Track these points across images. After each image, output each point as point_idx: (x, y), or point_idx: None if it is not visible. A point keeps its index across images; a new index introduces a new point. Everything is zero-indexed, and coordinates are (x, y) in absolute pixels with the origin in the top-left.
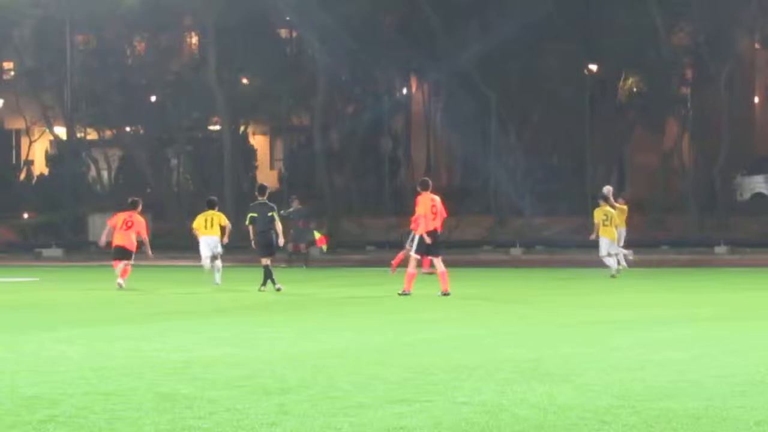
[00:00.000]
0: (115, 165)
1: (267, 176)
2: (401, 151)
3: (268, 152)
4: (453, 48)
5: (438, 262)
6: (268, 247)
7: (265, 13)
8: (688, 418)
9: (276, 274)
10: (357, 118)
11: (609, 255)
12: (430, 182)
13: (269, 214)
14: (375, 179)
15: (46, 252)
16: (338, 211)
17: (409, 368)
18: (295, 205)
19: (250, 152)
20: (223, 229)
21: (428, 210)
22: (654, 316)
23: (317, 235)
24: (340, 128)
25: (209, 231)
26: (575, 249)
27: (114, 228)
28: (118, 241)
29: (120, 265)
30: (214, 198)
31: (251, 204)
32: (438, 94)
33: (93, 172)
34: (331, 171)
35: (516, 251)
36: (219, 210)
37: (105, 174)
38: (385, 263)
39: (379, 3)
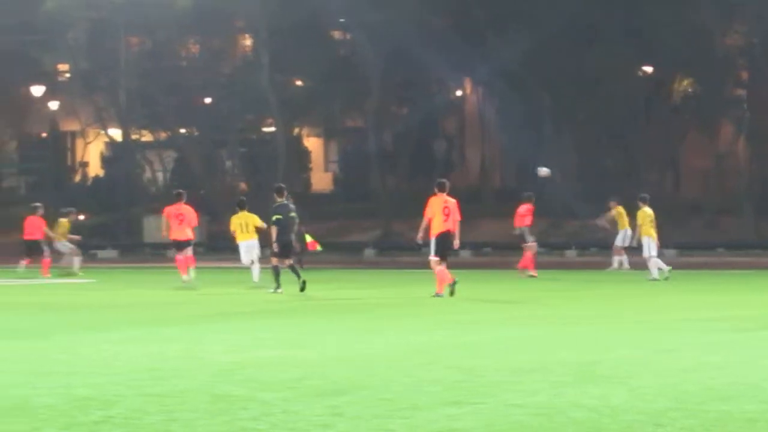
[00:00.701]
0: (169, 166)
1: (321, 178)
2: (455, 153)
3: (322, 154)
4: (506, 49)
5: (442, 263)
6: (288, 248)
7: (317, 14)
8: (745, 422)
9: (306, 275)
10: (410, 120)
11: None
12: (447, 184)
13: (291, 214)
14: (428, 181)
15: (101, 253)
16: (391, 213)
17: (461, 370)
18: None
19: (304, 154)
20: (258, 230)
21: (438, 212)
22: (709, 317)
23: (308, 239)
24: (394, 130)
25: (246, 235)
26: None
27: (171, 223)
28: (174, 235)
29: (181, 259)
30: (244, 198)
31: (274, 206)
32: (491, 96)
33: (147, 174)
34: (384, 172)
35: (571, 253)
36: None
37: (159, 175)
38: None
39: (433, 4)
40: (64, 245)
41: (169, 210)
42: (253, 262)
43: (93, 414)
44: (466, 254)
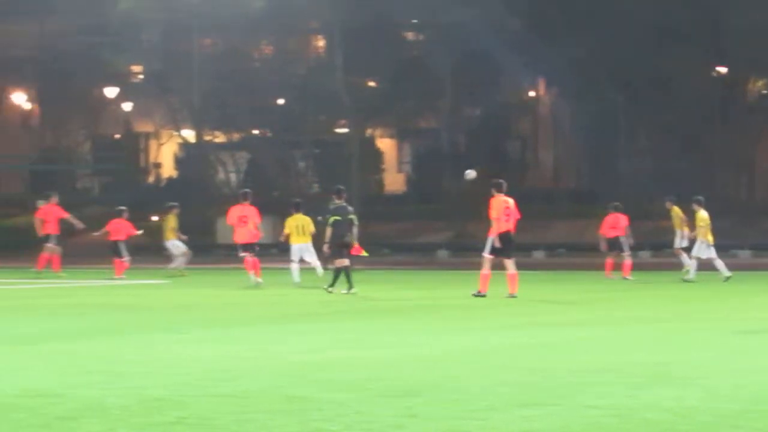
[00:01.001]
0: (242, 168)
1: (394, 179)
2: (528, 153)
3: (395, 155)
4: (581, 49)
5: (510, 264)
6: (346, 249)
7: (390, 15)
8: None
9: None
10: (484, 120)
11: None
12: (504, 184)
13: (349, 216)
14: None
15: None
16: (464, 214)
17: (536, 371)
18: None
19: (377, 155)
20: (312, 235)
21: (501, 212)
22: None
23: (354, 244)
24: (467, 130)
25: (301, 237)
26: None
27: (233, 225)
28: (239, 237)
29: (249, 261)
30: (300, 201)
31: (331, 207)
32: (565, 96)
33: (221, 175)
34: (457, 173)
35: (644, 254)
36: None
37: (232, 177)
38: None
39: (506, 6)
40: (174, 245)
41: (233, 213)
42: (302, 261)
43: (167, 414)
44: (539, 255)
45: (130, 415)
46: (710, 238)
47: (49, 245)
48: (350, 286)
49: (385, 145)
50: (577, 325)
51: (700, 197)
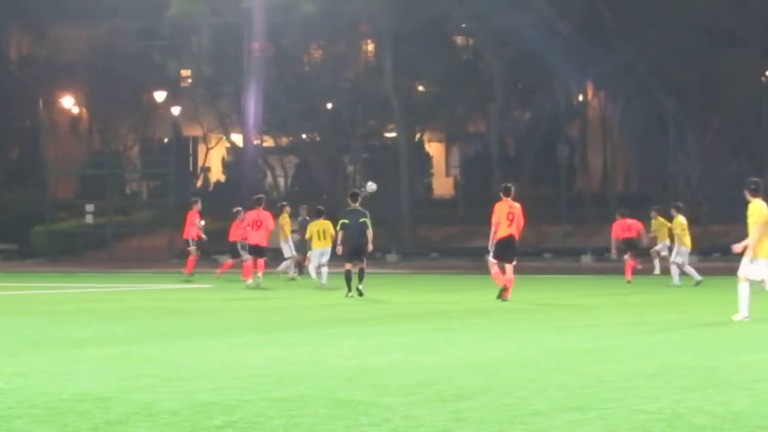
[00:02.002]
0: (291, 172)
1: (443, 183)
2: (577, 157)
3: (443, 159)
4: (630, 53)
5: (509, 269)
6: (356, 254)
7: (441, 20)
8: None
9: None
10: (533, 125)
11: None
12: (512, 188)
13: (361, 220)
14: (551, 186)
15: (222, 259)
16: None
17: (584, 375)
18: (303, 215)
19: (426, 159)
20: (332, 238)
21: (503, 217)
22: None
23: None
24: (516, 134)
25: (322, 242)
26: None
27: (250, 227)
28: (252, 239)
29: (260, 262)
30: (322, 207)
31: (343, 211)
32: (615, 100)
33: (269, 179)
34: (507, 178)
35: (693, 259)
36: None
37: (281, 181)
38: (559, 270)
39: (556, 9)
40: (286, 243)
41: (249, 216)
42: (320, 266)
43: (216, 419)
44: (587, 259)
45: (179, 419)
46: (688, 243)
47: (191, 248)
48: (348, 290)
49: (434, 149)
50: (627, 328)
51: (679, 203)
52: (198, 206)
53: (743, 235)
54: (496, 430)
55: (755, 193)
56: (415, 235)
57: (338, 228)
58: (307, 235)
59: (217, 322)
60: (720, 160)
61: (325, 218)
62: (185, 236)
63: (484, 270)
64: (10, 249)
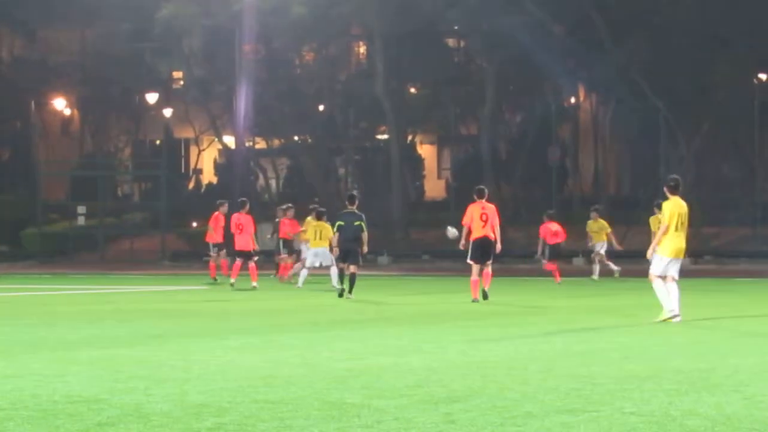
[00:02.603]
0: (283, 174)
1: (434, 185)
2: (569, 160)
3: (435, 161)
4: (621, 57)
5: (476, 269)
6: (348, 256)
7: (432, 22)
8: None
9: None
10: (525, 127)
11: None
12: (486, 191)
13: (356, 223)
14: (542, 188)
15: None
16: (505, 220)
17: (576, 377)
18: (289, 215)
19: (418, 161)
20: (330, 240)
21: (476, 218)
22: None
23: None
24: (508, 137)
25: (319, 242)
26: (745, 259)
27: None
28: (237, 245)
29: (250, 267)
30: (323, 210)
31: (339, 213)
32: (606, 103)
33: (261, 181)
34: (498, 180)
35: (684, 261)
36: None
37: (273, 183)
38: (551, 273)
39: (548, 12)
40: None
41: (232, 218)
42: (321, 265)
43: (207, 421)
44: (579, 262)
45: (170, 421)
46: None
47: (212, 254)
48: (350, 291)
49: (426, 151)
50: (619, 331)
51: (598, 206)
52: (224, 208)
53: (734, 237)
54: None
55: (674, 191)
56: (407, 237)
57: (335, 230)
58: (307, 234)
59: (209, 324)
60: (712, 163)
61: (326, 221)
62: (208, 239)
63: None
64: (2, 251)
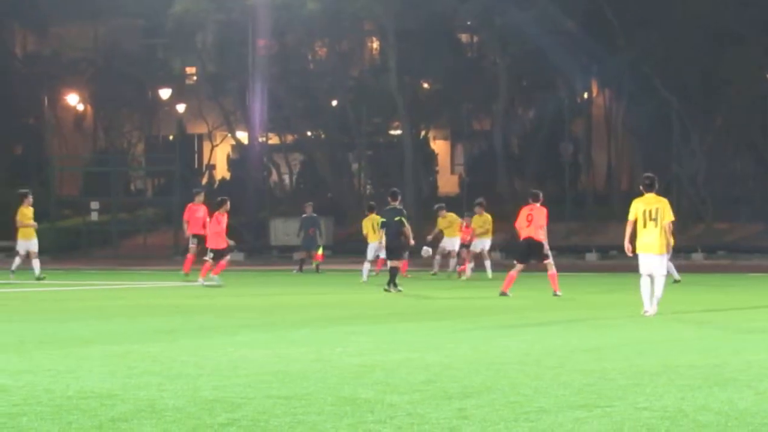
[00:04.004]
0: (296, 169)
1: (448, 180)
2: (582, 156)
3: (448, 157)
4: (634, 52)
5: (518, 267)
6: (394, 251)
7: (445, 17)
8: None
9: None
10: (538, 122)
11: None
12: (540, 194)
13: (396, 218)
14: (556, 184)
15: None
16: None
17: (589, 373)
18: (308, 212)
19: (431, 157)
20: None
21: (522, 219)
22: None
23: (319, 251)
24: (521, 132)
25: (377, 236)
26: (758, 255)
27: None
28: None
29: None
30: (373, 203)
31: (383, 210)
32: (619, 98)
33: (274, 177)
34: (511, 175)
35: (697, 256)
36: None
37: (286, 178)
38: (563, 268)
39: (560, 7)
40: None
41: (214, 216)
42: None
43: (219, 416)
44: (592, 257)
45: (183, 416)
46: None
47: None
48: (389, 283)
49: (439, 146)
50: (632, 326)
51: (482, 199)
52: (200, 197)
53: (747, 232)
54: (501, 428)
55: (648, 189)
56: (420, 232)
57: (379, 227)
58: (363, 231)
59: (222, 319)
60: (724, 158)
61: (376, 213)
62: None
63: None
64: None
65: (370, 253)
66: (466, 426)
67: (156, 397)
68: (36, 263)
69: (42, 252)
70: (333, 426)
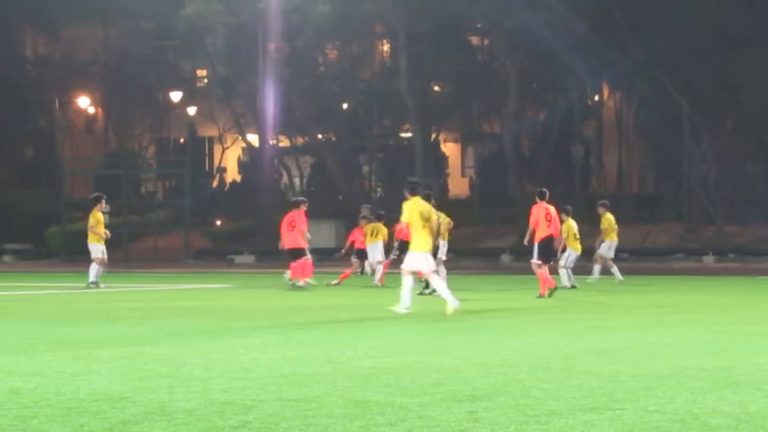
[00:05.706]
0: (306, 172)
1: (458, 183)
2: (592, 158)
3: (459, 159)
4: (645, 54)
5: (545, 267)
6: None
7: (456, 20)
8: None
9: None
10: (548, 125)
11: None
12: (546, 192)
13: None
14: (566, 186)
15: (238, 259)
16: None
17: (600, 376)
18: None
19: (442, 159)
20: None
21: (542, 218)
22: None
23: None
24: (531, 135)
25: (371, 239)
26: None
27: (282, 232)
28: (287, 243)
29: (295, 265)
30: (383, 212)
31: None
32: (630, 101)
33: (285, 179)
34: (521, 178)
35: (708, 259)
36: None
37: (297, 181)
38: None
39: (571, 10)
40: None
41: (284, 220)
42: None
43: (230, 419)
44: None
45: (195, 419)
46: (615, 238)
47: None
48: (425, 287)
49: (450, 149)
50: (642, 329)
51: (569, 207)
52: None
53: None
54: (512, 431)
55: (413, 193)
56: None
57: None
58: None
59: (232, 322)
60: (735, 161)
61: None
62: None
63: (499, 270)
64: (26, 249)
65: (379, 254)
66: (476, 429)
67: (166, 399)
68: (93, 269)
69: (53, 254)
70: (344, 428)
